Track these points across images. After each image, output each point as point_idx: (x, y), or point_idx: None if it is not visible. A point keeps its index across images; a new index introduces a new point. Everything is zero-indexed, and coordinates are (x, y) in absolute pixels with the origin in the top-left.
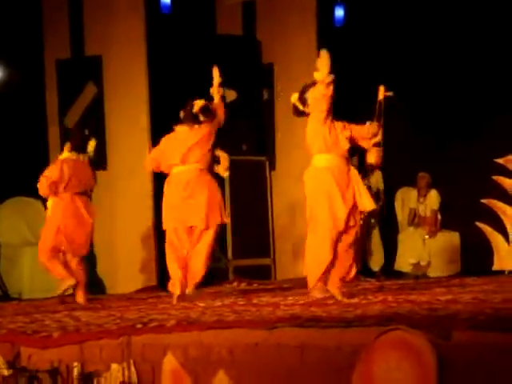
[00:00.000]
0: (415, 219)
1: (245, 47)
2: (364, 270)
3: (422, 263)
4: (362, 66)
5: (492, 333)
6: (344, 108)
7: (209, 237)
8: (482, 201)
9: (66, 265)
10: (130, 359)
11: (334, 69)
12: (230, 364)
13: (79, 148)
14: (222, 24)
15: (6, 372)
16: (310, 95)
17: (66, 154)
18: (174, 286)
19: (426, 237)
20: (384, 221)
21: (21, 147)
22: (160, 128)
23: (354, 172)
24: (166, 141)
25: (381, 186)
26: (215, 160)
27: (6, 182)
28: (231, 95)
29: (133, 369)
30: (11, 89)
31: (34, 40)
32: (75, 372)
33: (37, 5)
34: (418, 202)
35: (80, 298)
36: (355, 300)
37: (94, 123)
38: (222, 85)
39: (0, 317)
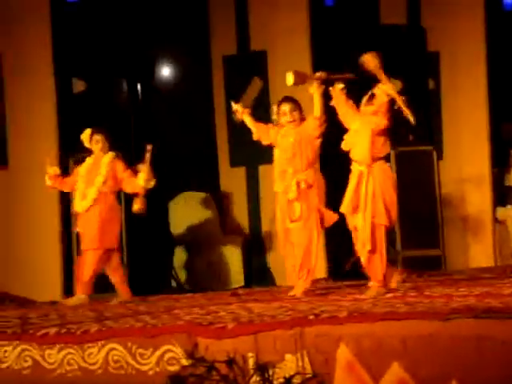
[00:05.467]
0: None
1: (409, 36)
2: None
3: None
4: None
5: None
6: None
7: None
8: None
9: None
10: (303, 350)
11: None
12: (403, 355)
13: None
14: (385, 13)
15: (185, 362)
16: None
17: None
18: None
19: None
20: None
21: (190, 143)
22: None
23: None
24: None
25: None
26: None
27: (177, 178)
28: (397, 85)
29: (307, 359)
30: (180, 86)
31: (200, 38)
32: (251, 362)
33: (203, 3)
34: None
35: None
36: None
37: (260, 118)
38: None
39: (177, 308)
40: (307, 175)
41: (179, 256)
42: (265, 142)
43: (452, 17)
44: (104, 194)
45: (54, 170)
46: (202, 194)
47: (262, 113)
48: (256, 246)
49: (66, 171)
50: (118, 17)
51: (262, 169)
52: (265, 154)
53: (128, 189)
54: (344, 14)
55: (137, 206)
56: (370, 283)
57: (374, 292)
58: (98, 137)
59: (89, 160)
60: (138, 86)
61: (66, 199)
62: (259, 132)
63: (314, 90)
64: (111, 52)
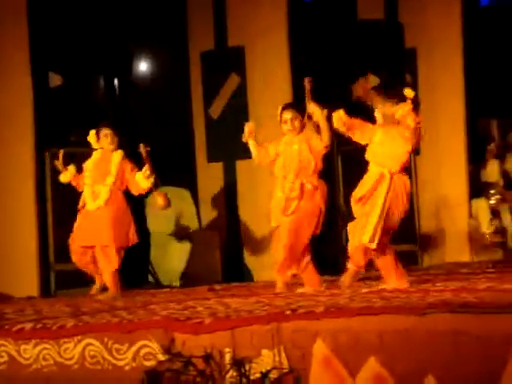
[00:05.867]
0: None
1: (387, 31)
2: None
3: None
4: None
5: None
6: None
7: None
8: None
9: None
10: (280, 345)
11: None
12: (380, 350)
13: None
14: (363, 9)
15: (161, 357)
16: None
17: None
18: None
19: None
20: None
21: (167, 138)
22: None
23: None
24: None
25: None
26: None
27: (154, 173)
28: (374, 81)
29: (283, 354)
30: (158, 82)
31: (178, 34)
32: (227, 357)
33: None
34: None
35: None
36: (509, 285)
37: (237, 114)
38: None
39: (153, 304)
40: (311, 179)
41: (156, 251)
42: (266, 164)
43: (429, 12)
44: (114, 193)
45: (71, 169)
46: (179, 190)
47: (238, 109)
48: (233, 242)
49: (42, 166)
50: (95, 12)
51: (239, 164)
52: (242, 149)
53: (133, 190)
54: (322, 10)
55: (160, 202)
56: (349, 265)
57: (350, 275)
58: (106, 130)
59: (96, 154)
60: (116, 82)
61: (42, 197)
62: (260, 157)
63: (318, 117)
64: (89, 47)
